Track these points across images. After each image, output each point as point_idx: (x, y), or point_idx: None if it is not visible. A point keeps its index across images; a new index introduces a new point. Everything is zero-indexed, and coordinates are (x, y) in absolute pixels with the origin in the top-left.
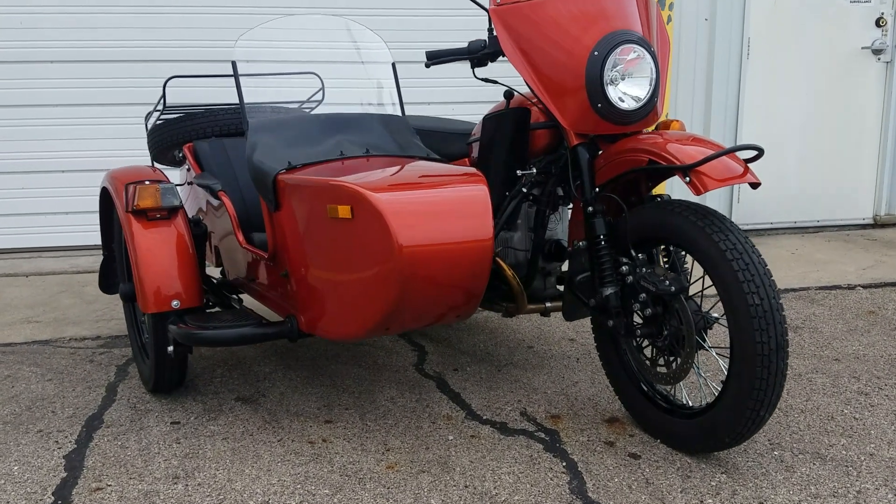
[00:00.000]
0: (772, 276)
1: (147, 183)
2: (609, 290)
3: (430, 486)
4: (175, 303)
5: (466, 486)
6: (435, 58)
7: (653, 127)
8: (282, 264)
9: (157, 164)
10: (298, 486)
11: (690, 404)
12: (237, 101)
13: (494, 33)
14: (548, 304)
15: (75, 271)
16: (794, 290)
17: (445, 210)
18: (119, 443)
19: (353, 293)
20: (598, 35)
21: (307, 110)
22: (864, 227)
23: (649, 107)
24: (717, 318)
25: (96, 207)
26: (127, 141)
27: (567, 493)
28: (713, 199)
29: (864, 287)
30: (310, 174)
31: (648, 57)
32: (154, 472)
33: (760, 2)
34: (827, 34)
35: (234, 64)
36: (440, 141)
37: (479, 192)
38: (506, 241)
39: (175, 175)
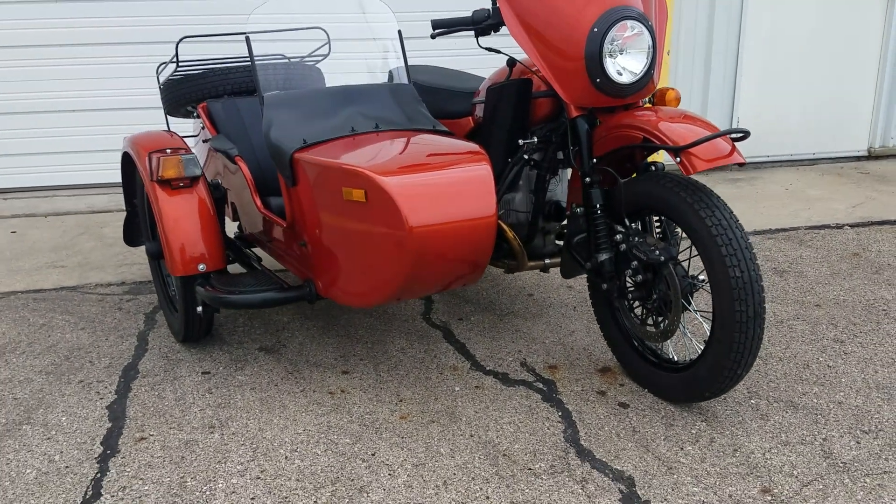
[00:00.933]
0: (752, 250)
1: (169, 152)
2: (604, 256)
3: (439, 435)
4: (201, 266)
5: (472, 436)
6: (440, 27)
7: (648, 97)
8: (300, 234)
9: (170, 117)
10: (322, 436)
11: (676, 360)
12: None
13: (497, 4)
14: (547, 261)
15: (91, 211)
16: (784, 230)
17: (451, 191)
18: (156, 393)
19: (368, 267)
20: (599, 11)
21: (313, 62)
22: (858, 159)
23: (646, 79)
24: (702, 284)
25: (108, 146)
26: (136, 80)
27: (562, 442)
28: None
29: (852, 226)
30: (324, 152)
31: (646, 32)
32: (192, 422)
33: None
34: None
35: (247, 38)
36: (446, 98)
37: (482, 172)
38: (508, 204)
39: (188, 127)
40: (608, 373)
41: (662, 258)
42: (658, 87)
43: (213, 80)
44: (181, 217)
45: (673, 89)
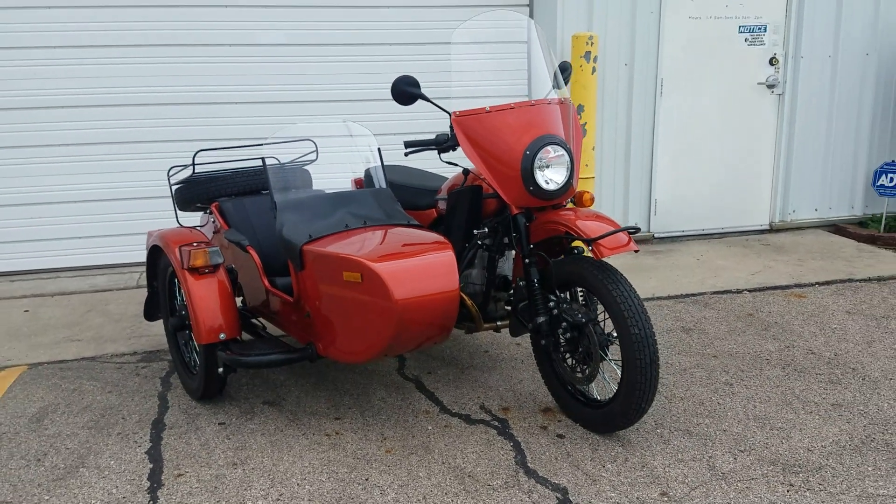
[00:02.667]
0: (646, 314)
1: (195, 246)
2: (541, 319)
3: (418, 463)
4: (222, 335)
5: (444, 463)
6: (411, 146)
7: (569, 198)
8: (304, 307)
9: (180, 211)
10: (324, 467)
11: (598, 399)
12: (254, 167)
13: (454, 131)
14: (498, 323)
15: (94, 290)
16: (693, 294)
17: (425, 272)
18: (184, 440)
19: (361, 330)
20: (530, 139)
21: (302, 165)
22: (762, 232)
23: (567, 187)
24: (614, 339)
25: (107, 232)
26: (129, 174)
27: (513, 464)
28: (638, 213)
29: (750, 291)
30: (326, 244)
31: (565, 153)
32: (218, 461)
33: (671, 48)
34: (728, 72)
35: (263, 160)
36: (413, 194)
37: (447, 258)
38: (467, 278)
39: (195, 219)
40: (549, 412)
41: (584, 320)
42: (577, 190)
43: (223, 184)
44: (206, 297)
45: (588, 192)
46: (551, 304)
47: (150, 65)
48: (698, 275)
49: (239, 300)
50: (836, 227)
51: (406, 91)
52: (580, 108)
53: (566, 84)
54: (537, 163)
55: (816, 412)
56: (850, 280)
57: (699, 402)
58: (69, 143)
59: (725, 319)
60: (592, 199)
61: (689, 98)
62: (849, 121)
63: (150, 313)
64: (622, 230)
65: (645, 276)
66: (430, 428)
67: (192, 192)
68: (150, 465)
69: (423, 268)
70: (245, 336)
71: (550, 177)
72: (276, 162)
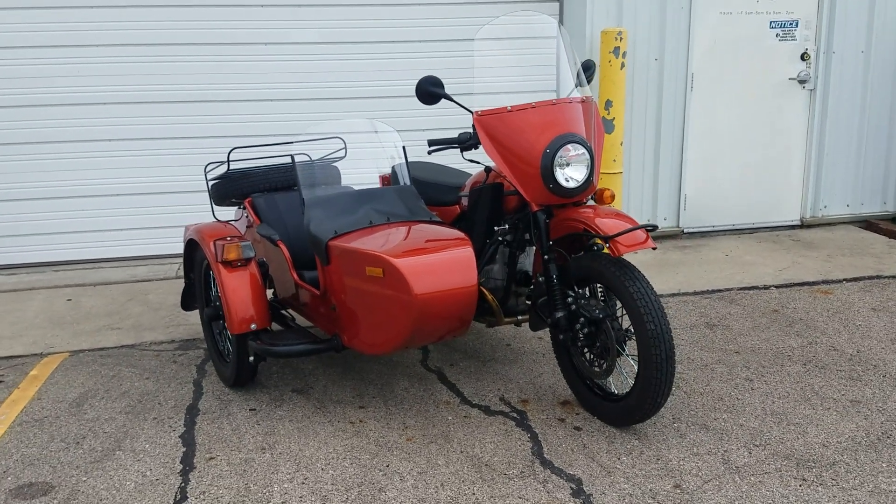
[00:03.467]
0: (662, 311)
1: (229, 240)
2: (560, 314)
3: (437, 451)
4: (253, 325)
5: (462, 452)
6: (434, 145)
7: (590, 196)
8: (330, 300)
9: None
10: (347, 453)
11: (616, 393)
12: (285, 164)
13: (476, 131)
14: (519, 318)
15: (135, 280)
16: (719, 290)
17: (444, 268)
18: (216, 425)
19: (383, 323)
20: (550, 137)
21: (332, 162)
22: (792, 227)
23: (587, 185)
24: (631, 335)
25: (147, 224)
26: (168, 169)
27: (530, 455)
28: (667, 208)
29: (777, 287)
30: (350, 240)
31: (585, 151)
32: (247, 445)
33: (701, 43)
34: (759, 67)
35: (292, 157)
36: (438, 191)
37: (466, 254)
38: (488, 273)
39: (231, 213)
40: (567, 405)
41: (601, 315)
42: (599, 187)
43: (256, 180)
44: (238, 288)
45: (608, 190)
46: (570, 299)
47: (190, 63)
48: (726, 270)
49: (270, 292)
50: (868, 223)
51: (430, 91)
52: (608, 104)
53: (589, 82)
54: (557, 161)
55: (834, 408)
56: (878, 277)
57: (718, 397)
58: (113, 138)
59: (750, 315)
60: (613, 197)
61: (720, 93)
62: (881, 116)
63: (187, 303)
64: (639, 227)
65: (672, 271)
66: (450, 418)
67: (226, 188)
68: (184, 449)
69: (442, 263)
70: (276, 326)
71: (570, 175)
72: (308, 159)
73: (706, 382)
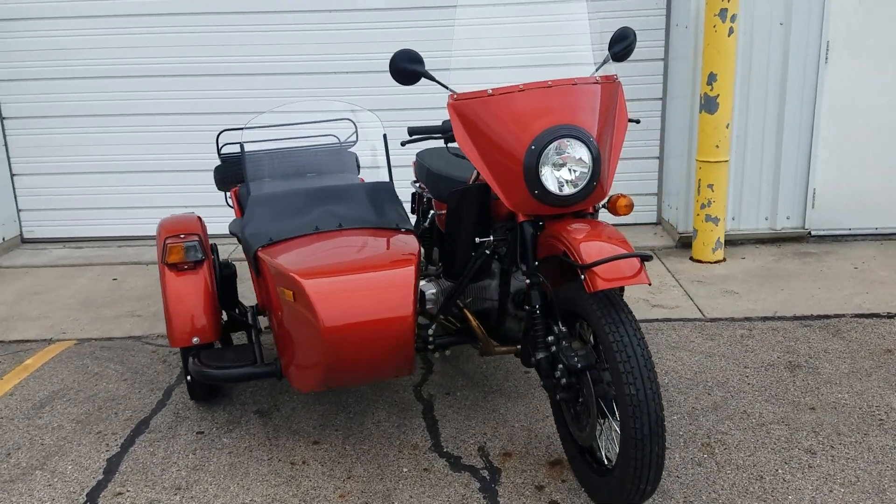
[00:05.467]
0: (652, 368)
1: (181, 237)
2: (540, 356)
3: None
4: (195, 339)
5: None
6: (415, 133)
7: (603, 202)
8: (268, 317)
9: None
10: None
11: (606, 463)
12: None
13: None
14: (518, 346)
15: None
16: (826, 317)
17: (368, 292)
18: (151, 450)
19: (301, 355)
20: (537, 130)
21: (346, 146)
22: None
23: (587, 191)
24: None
25: (210, 202)
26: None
27: None
28: (790, 205)
29: None
30: (278, 251)
31: (584, 149)
32: (164, 482)
33: (841, 3)
34: None
35: (241, 146)
36: (448, 185)
37: (402, 276)
38: (481, 292)
39: None
40: (557, 466)
41: (579, 365)
42: (615, 194)
43: (261, 165)
44: (182, 295)
45: (625, 197)
46: (550, 338)
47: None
48: (846, 289)
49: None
50: None
51: (407, 69)
52: (712, 77)
53: (625, 58)
54: (544, 160)
55: None
56: None
57: (758, 475)
58: (175, 112)
59: (853, 355)
60: (630, 207)
61: (865, 65)
62: None
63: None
64: (629, 256)
65: (777, 285)
66: (405, 470)
67: (223, 174)
68: (100, 478)
69: (367, 287)
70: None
71: (564, 178)
72: (336, 141)
73: (751, 450)
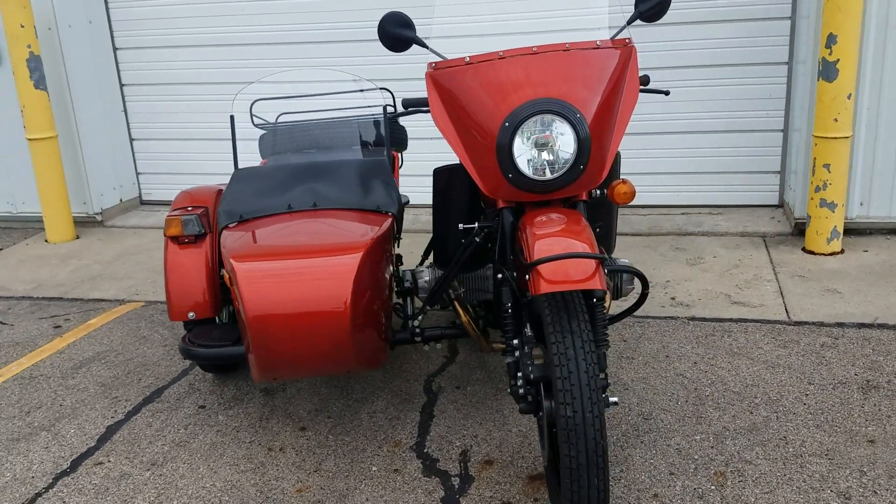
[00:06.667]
0: (597, 389)
1: (188, 210)
2: (508, 360)
3: None
4: (191, 314)
5: None
6: (410, 105)
7: (598, 189)
8: None
9: None
10: (224, 496)
11: None
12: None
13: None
14: None
15: None
16: None
17: (301, 280)
18: (149, 421)
19: (245, 343)
20: (514, 104)
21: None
22: None
23: (571, 175)
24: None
25: None
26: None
27: None
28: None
29: None
30: (239, 231)
31: (567, 127)
32: (143, 456)
33: None
34: None
35: (231, 118)
36: None
37: (343, 265)
38: (474, 283)
39: None
40: (536, 482)
41: (532, 376)
42: (616, 178)
43: (279, 139)
44: (181, 268)
45: (625, 183)
46: (515, 341)
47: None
48: None
49: None
50: None
51: (396, 34)
52: (831, 39)
53: (657, 18)
54: (520, 140)
55: None
56: None
57: None
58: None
59: None
60: (630, 195)
61: None
62: None
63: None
64: (577, 257)
65: (892, 287)
66: (374, 469)
67: (261, 145)
68: (92, 445)
69: (302, 274)
70: None
71: (544, 160)
72: (393, 111)
73: (771, 486)
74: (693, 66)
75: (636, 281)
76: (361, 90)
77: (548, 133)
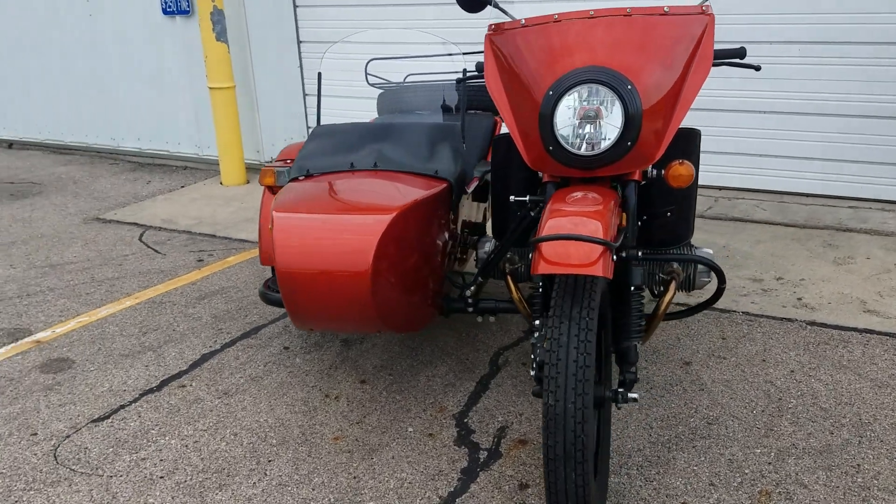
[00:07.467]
0: (585, 380)
1: (278, 163)
2: (532, 340)
3: (345, 463)
4: None
5: (365, 473)
6: (469, 72)
7: (649, 167)
8: None
9: None
10: (270, 431)
11: None
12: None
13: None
14: None
15: None
16: None
17: (331, 238)
18: (237, 354)
19: None
20: (562, 71)
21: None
22: None
23: (617, 152)
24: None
25: None
26: None
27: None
28: None
29: None
30: (300, 185)
31: (615, 98)
32: (220, 385)
33: None
34: None
35: (319, 75)
36: None
37: (371, 225)
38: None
39: None
40: None
41: (536, 360)
42: (673, 160)
43: (389, 99)
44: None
45: (683, 164)
46: (537, 322)
47: None
48: None
49: None
50: None
51: None
52: None
53: None
54: (564, 110)
55: None
56: None
57: None
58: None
59: None
60: (687, 178)
61: None
62: None
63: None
64: (583, 240)
65: None
66: (409, 430)
67: (379, 104)
68: (183, 369)
69: (330, 229)
70: None
71: (589, 135)
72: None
73: (776, 485)
74: (885, 42)
75: (712, 274)
76: (464, 54)
77: (593, 104)
